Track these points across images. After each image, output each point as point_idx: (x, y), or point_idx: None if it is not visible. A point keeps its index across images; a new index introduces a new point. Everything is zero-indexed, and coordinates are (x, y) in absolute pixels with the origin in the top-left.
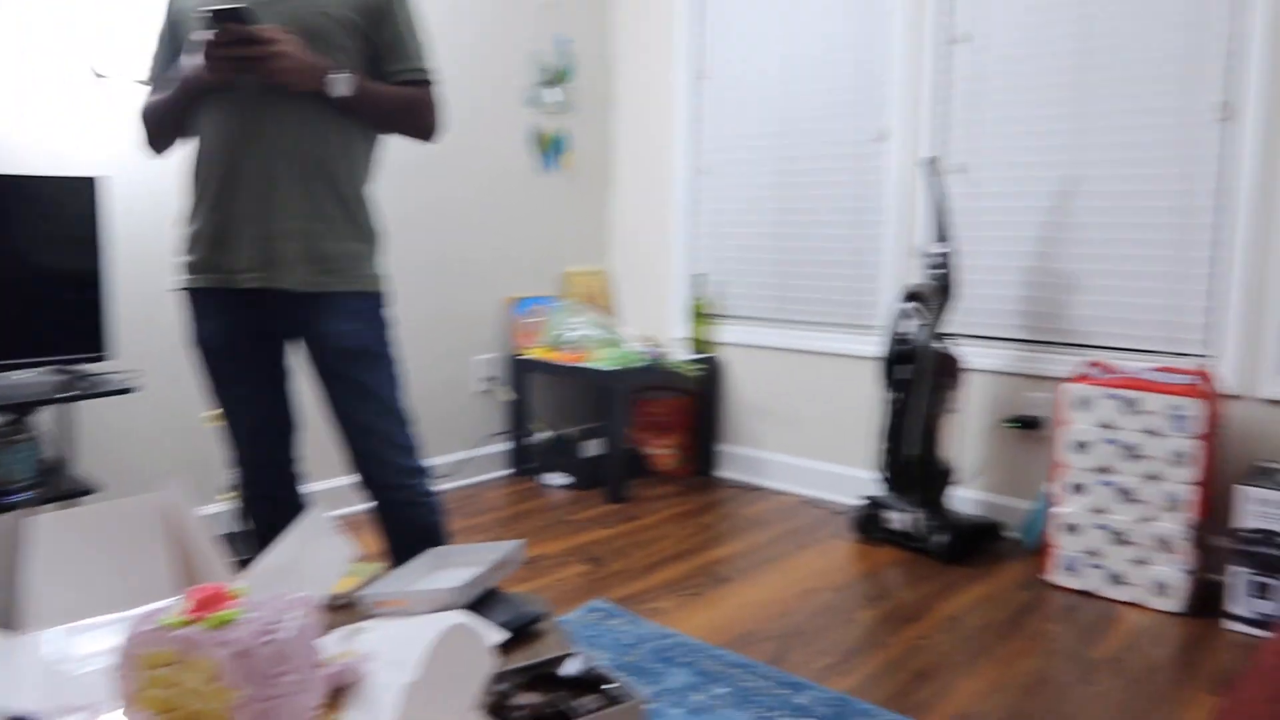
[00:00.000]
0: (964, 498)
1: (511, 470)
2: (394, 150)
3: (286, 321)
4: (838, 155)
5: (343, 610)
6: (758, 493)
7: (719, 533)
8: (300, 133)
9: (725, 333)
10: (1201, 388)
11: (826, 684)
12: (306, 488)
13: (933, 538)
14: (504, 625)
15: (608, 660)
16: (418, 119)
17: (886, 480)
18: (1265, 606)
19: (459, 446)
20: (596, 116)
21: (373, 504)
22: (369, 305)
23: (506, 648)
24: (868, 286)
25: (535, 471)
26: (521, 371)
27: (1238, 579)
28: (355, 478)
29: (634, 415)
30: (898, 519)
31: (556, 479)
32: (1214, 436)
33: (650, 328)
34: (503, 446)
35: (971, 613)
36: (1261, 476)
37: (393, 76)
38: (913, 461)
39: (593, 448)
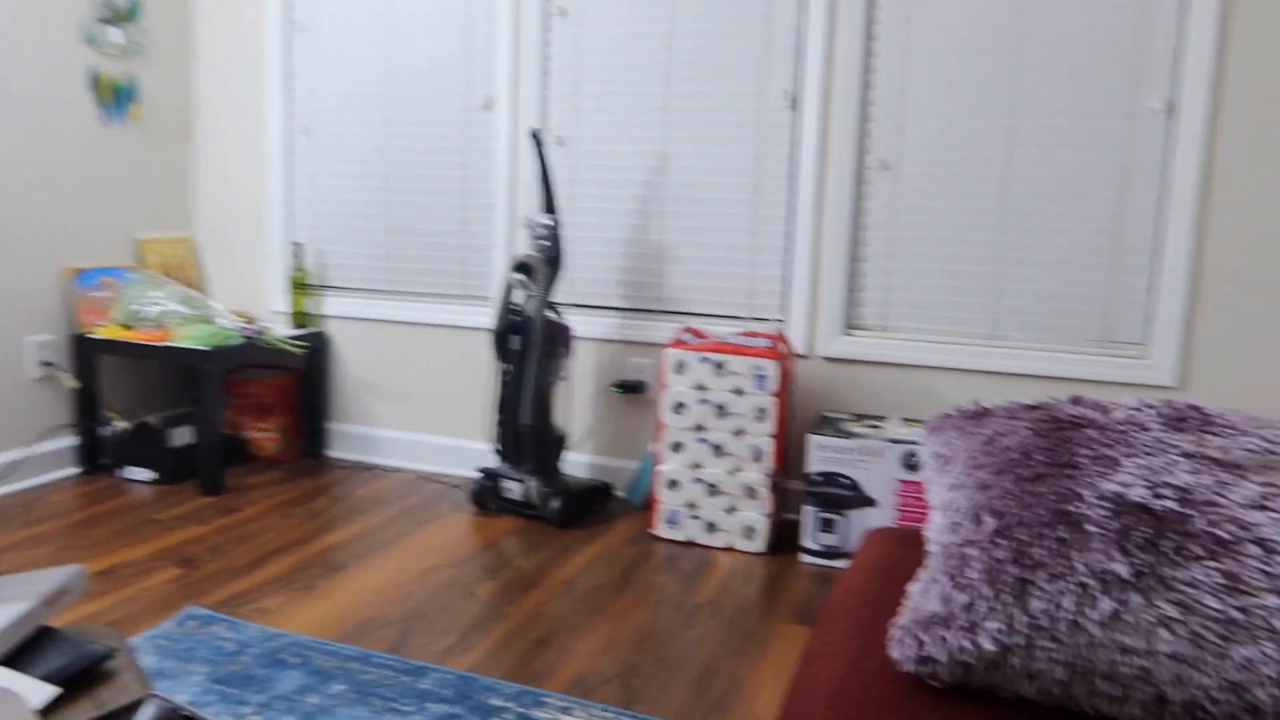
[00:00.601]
0: (576, 462)
1: (82, 468)
2: None
3: None
4: (446, 121)
5: None
6: (372, 472)
7: (331, 518)
8: None
9: (330, 305)
10: (777, 349)
11: (449, 664)
12: None
13: (548, 504)
14: (56, 674)
15: (206, 674)
16: None
17: (501, 450)
18: (830, 540)
19: (11, 444)
20: (173, 63)
21: None
22: None
23: (64, 700)
24: (478, 257)
25: (112, 467)
26: (89, 353)
27: (808, 517)
28: None
29: (229, 398)
30: (514, 488)
31: (139, 474)
32: (788, 392)
33: (245, 302)
34: (69, 441)
35: (586, 574)
36: (826, 425)
37: None
38: (526, 430)
39: (182, 436)
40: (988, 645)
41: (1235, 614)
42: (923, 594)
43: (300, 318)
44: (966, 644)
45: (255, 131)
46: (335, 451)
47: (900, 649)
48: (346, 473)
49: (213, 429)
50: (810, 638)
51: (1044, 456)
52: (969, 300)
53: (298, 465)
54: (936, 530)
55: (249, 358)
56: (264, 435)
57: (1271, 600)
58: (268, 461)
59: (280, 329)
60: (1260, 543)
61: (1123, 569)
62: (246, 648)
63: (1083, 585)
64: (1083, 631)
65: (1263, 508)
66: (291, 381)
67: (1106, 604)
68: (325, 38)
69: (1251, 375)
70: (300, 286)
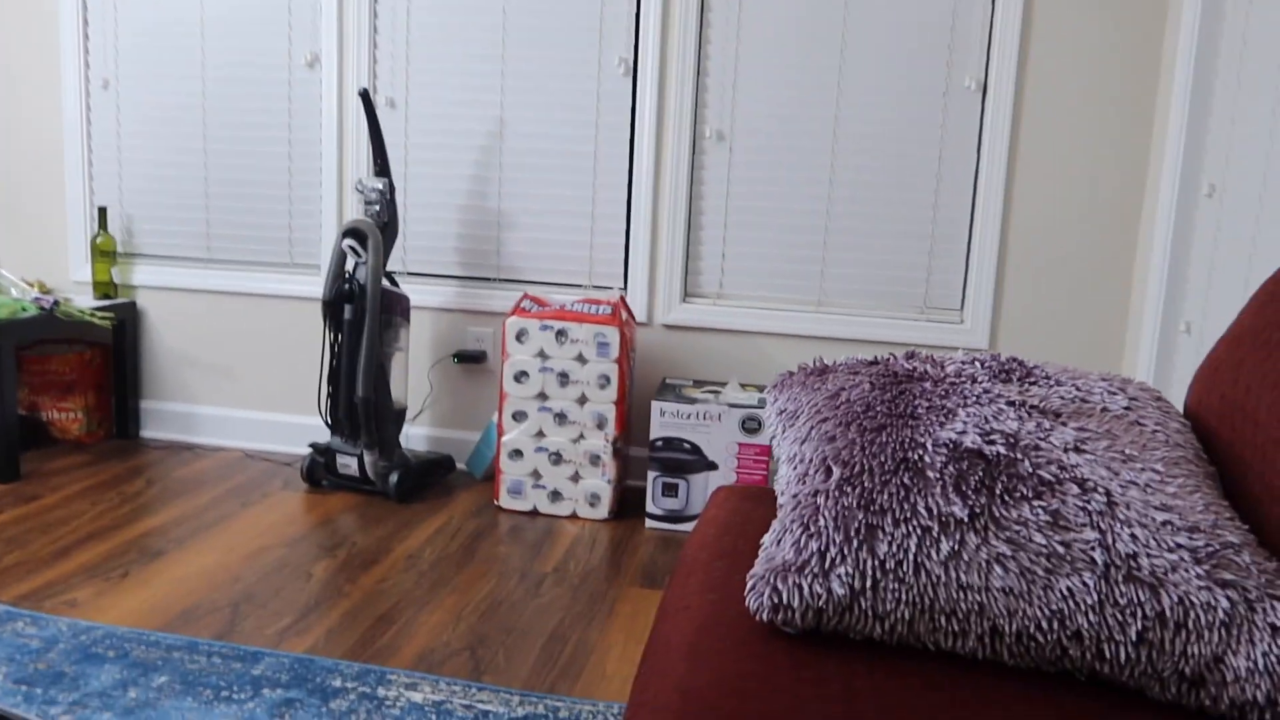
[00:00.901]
0: (416, 435)
1: None
2: None
3: None
4: (268, 79)
5: None
6: (192, 452)
7: (147, 501)
8: None
9: (141, 275)
10: (619, 317)
11: (284, 648)
12: None
13: (386, 478)
14: None
15: (6, 674)
16: None
17: (335, 425)
18: (672, 504)
19: None
20: None
21: None
22: None
23: None
24: (306, 223)
25: None
26: None
27: (651, 483)
28: None
29: (23, 375)
30: (349, 463)
31: None
32: (629, 360)
33: (40, 271)
34: None
35: (428, 547)
36: (667, 392)
37: None
38: (362, 403)
39: None
40: (839, 589)
41: (1059, 548)
42: (776, 543)
43: (105, 288)
44: (819, 589)
45: (46, 83)
46: (150, 431)
47: (756, 598)
48: (163, 453)
49: (4, 410)
50: (665, 594)
51: (885, 408)
52: (799, 269)
53: (106, 447)
54: (785, 482)
55: (45, 331)
56: (66, 416)
57: (1089, 534)
58: (72, 444)
59: (83, 300)
60: (1079, 482)
61: (960, 511)
62: (53, 644)
63: (925, 528)
64: (925, 572)
65: (1079, 450)
66: (97, 357)
67: (946, 545)
68: None
69: (1048, 335)
70: (105, 254)
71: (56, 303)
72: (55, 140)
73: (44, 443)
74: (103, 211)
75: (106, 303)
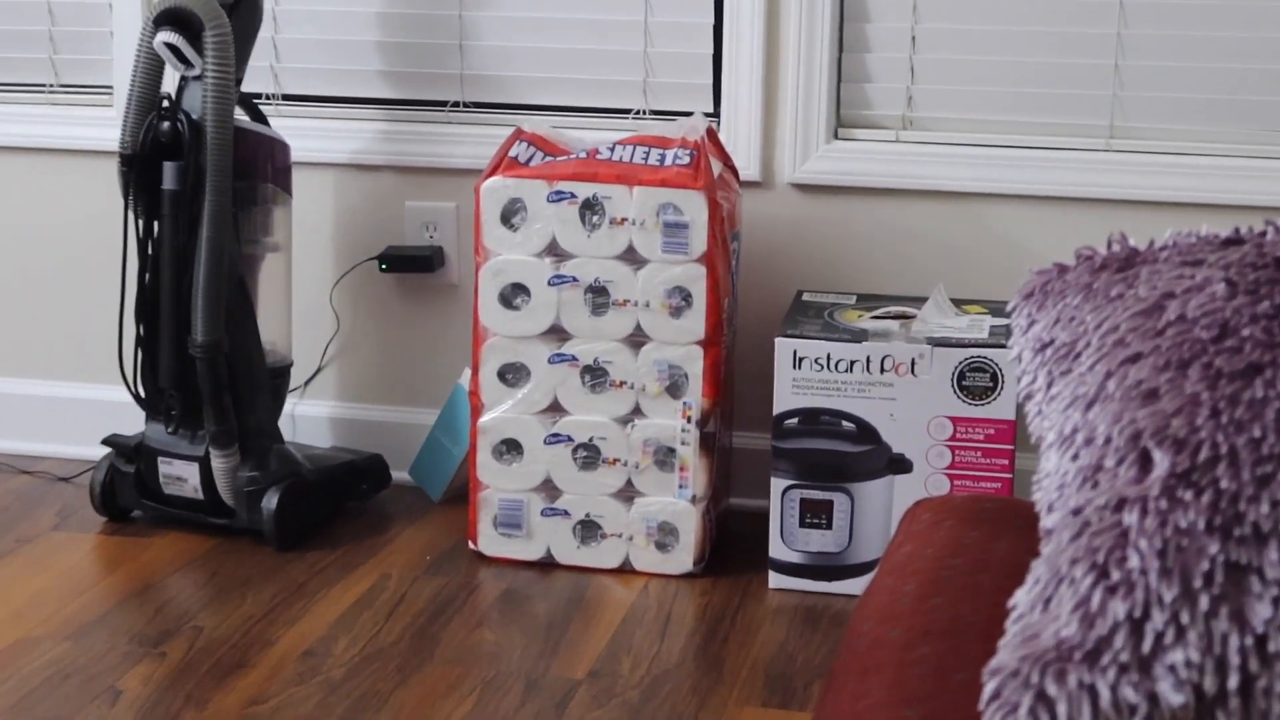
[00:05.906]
0: (311, 416)
1: None
2: None
3: None
4: None
5: None
6: None
7: None
8: None
9: None
10: (702, 170)
11: None
12: None
13: (255, 501)
14: None
15: None
16: None
17: (153, 400)
18: (821, 540)
19: None
20: None
21: None
22: None
23: None
24: (84, 11)
25: None
26: None
27: (779, 499)
28: None
29: None
30: (184, 474)
31: None
32: (728, 253)
33: None
34: None
35: (343, 635)
36: (806, 318)
37: None
38: (202, 356)
39: None
40: (1172, 695)
41: None
42: (1041, 606)
43: None
44: (1132, 695)
45: None
46: None
47: (1004, 712)
48: None
49: None
50: (817, 712)
51: (1260, 333)
52: (1066, 73)
53: None
54: (1057, 485)
55: None
56: None
57: None
58: None
59: None
60: None
61: None
62: None
63: None
64: None
65: None
66: None
67: None
68: None
69: None
70: None
71: None
72: None
73: None
74: None
75: None
